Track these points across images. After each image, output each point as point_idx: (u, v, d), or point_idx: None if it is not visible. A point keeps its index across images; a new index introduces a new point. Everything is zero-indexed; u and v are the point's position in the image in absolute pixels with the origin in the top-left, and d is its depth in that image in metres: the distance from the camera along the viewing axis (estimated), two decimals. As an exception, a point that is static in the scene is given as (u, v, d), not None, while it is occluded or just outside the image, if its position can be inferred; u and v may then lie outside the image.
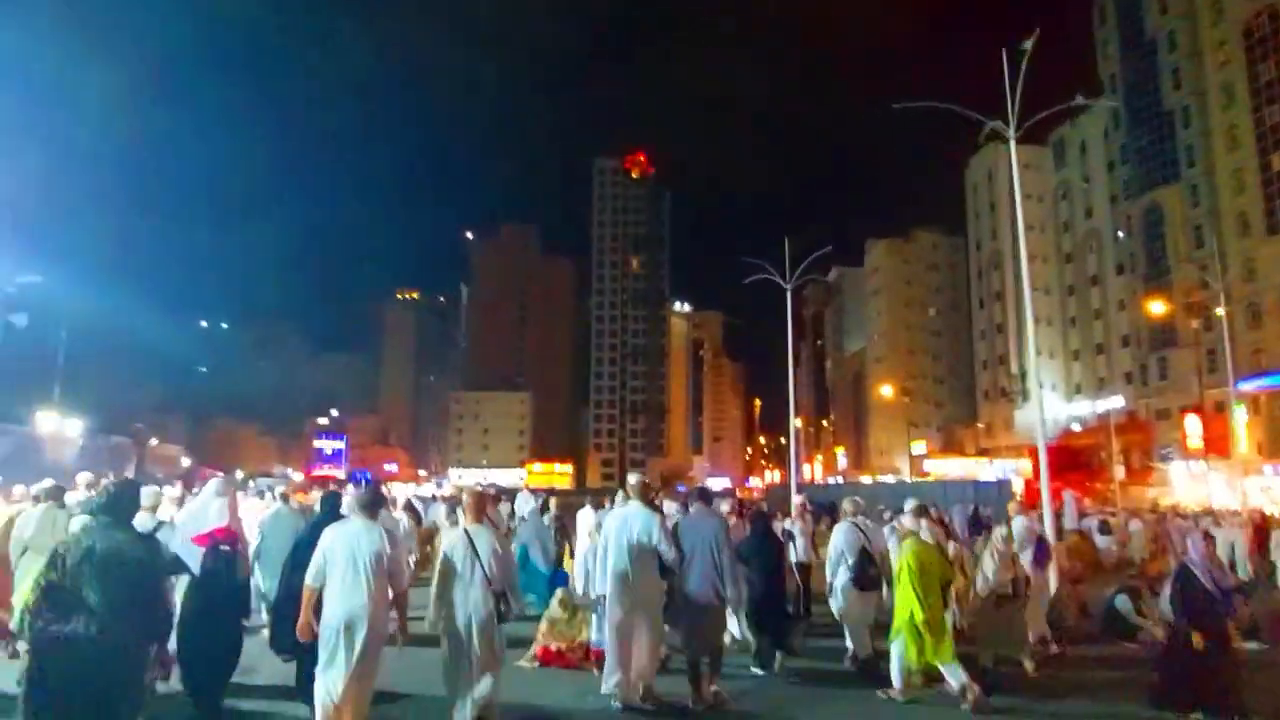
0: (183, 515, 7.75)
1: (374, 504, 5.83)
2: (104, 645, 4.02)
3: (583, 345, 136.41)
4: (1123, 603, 10.89)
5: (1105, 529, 20.29)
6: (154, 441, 52.75)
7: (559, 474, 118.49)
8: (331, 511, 6.72)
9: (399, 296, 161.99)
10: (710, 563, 7.06)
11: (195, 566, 6.17)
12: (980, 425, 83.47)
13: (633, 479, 9.90)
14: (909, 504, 8.41)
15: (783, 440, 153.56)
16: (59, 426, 24.94)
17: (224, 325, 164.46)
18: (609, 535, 7.10)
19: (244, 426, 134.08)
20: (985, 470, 59.70)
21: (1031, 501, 32.54)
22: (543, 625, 8.50)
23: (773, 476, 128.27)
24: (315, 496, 12.20)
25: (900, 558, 7.56)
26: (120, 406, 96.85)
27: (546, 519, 12.80)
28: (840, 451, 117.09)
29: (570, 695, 7.39)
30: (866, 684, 7.97)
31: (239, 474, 54.40)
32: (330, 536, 5.57)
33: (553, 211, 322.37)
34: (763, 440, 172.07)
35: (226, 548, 6.20)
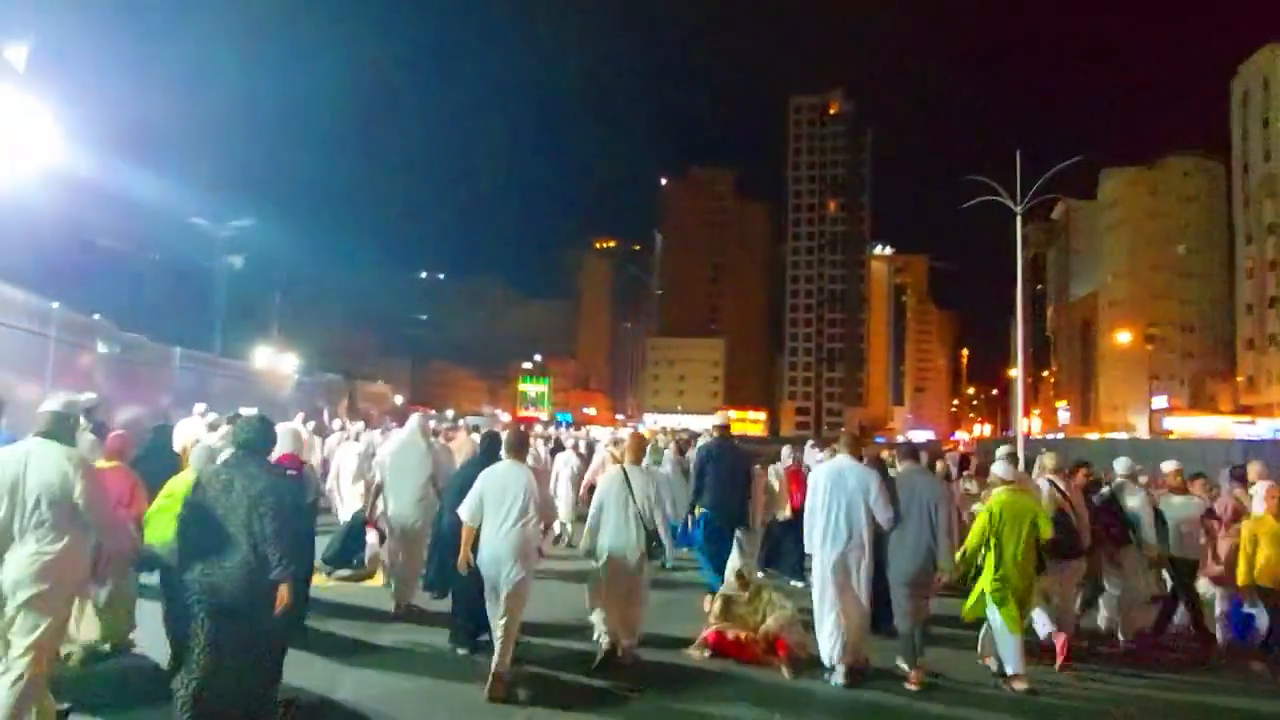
0: (386, 448, 8.10)
1: (519, 445, 6.15)
2: (241, 575, 4.21)
3: (778, 291, 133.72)
4: None
5: None
6: (380, 383, 56.66)
7: (752, 421, 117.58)
8: (489, 454, 6.72)
9: (596, 245, 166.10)
10: (927, 527, 6.35)
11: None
12: (1240, 379, 72.83)
13: (718, 419, 9.75)
14: (1001, 450, 7.94)
15: (994, 392, 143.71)
16: (273, 363, 26.26)
17: (440, 276, 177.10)
18: (819, 491, 6.42)
19: (458, 369, 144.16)
20: (1246, 430, 51.78)
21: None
22: (715, 605, 6.93)
23: (982, 430, 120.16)
24: (462, 438, 12.44)
25: (982, 508, 6.86)
26: (348, 350, 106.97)
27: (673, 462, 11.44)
28: (1062, 406, 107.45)
29: (747, 700, 5.86)
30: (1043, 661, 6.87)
31: (449, 413, 57.85)
32: (484, 478, 5.89)
33: (747, 155, 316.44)
34: (971, 391, 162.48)
35: (293, 471, 6.47)
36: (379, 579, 8.40)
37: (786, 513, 9.91)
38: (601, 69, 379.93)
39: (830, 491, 6.32)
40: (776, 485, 10.20)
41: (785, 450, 11.02)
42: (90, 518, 4.05)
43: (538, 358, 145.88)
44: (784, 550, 9.92)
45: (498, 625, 5.65)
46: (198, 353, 19.61)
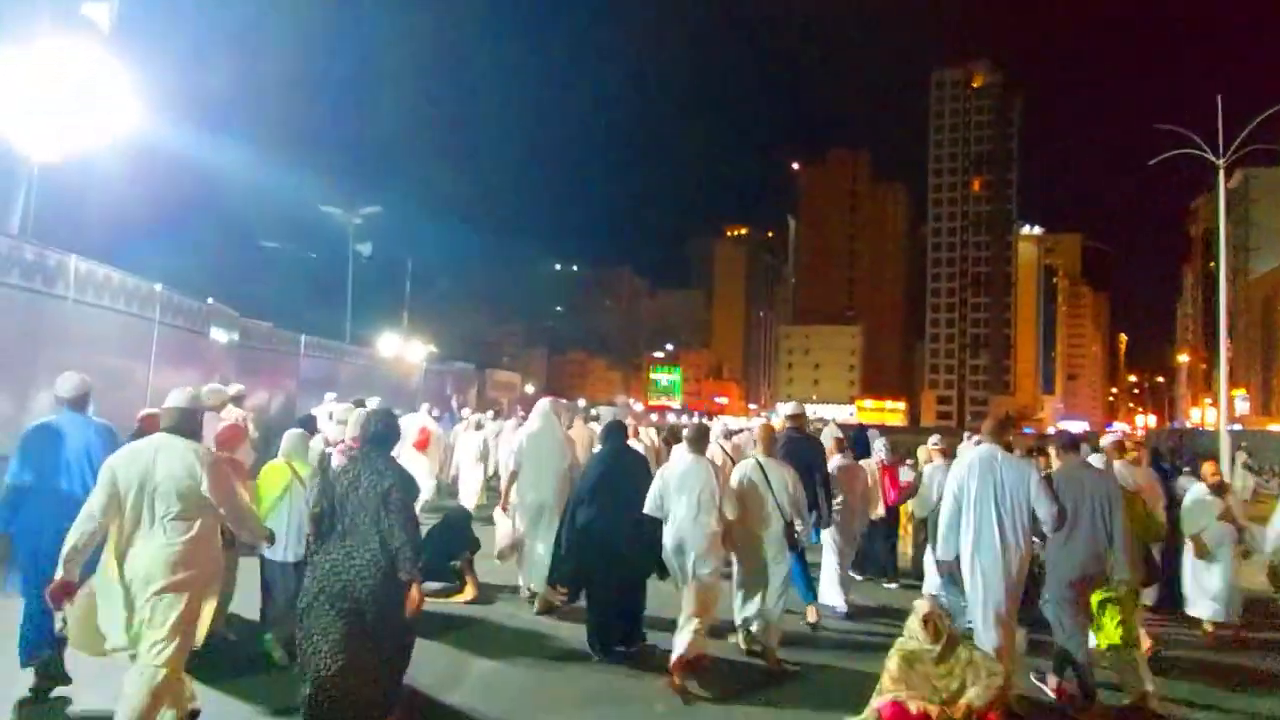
0: (520, 435, 7.55)
1: (700, 439, 6.08)
2: (371, 574, 4.13)
3: (918, 275, 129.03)
4: None
5: None
6: (508, 371, 58.14)
7: (890, 411, 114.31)
8: (614, 443, 6.53)
9: (728, 233, 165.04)
10: (1100, 533, 5.41)
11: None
12: None
13: (790, 408, 8.49)
14: (1108, 438, 7.25)
15: (1159, 379, 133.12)
16: (401, 352, 26.28)
17: (574, 268, 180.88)
18: (963, 488, 5.47)
19: (593, 359, 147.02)
20: None
21: None
22: (890, 662, 4.89)
23: (1146, 421, 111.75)
24: (579, 427, 12.01)
25: None
26: (487, 341, 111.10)
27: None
28: (1239, 394, 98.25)
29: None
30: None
31: (581, 402, 59.11)
32: (665, 472, 5.92)
33: (885, 135, 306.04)
34: (1132, 379, 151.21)
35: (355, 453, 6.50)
36: (469, 592, 7.47)
37: (880, 511, 9.09)
38: (732, 55, 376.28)
39: (979, 489, 5.39)
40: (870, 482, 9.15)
41: (879, 443, 9.99)
42: (220, 510, 4.07)
43: (670, 347, 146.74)
44: (874, 551, 9.26)
45: (684, 615, 5.53)
46: (325, 340, 19.56)
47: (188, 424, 4.18)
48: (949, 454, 8.18)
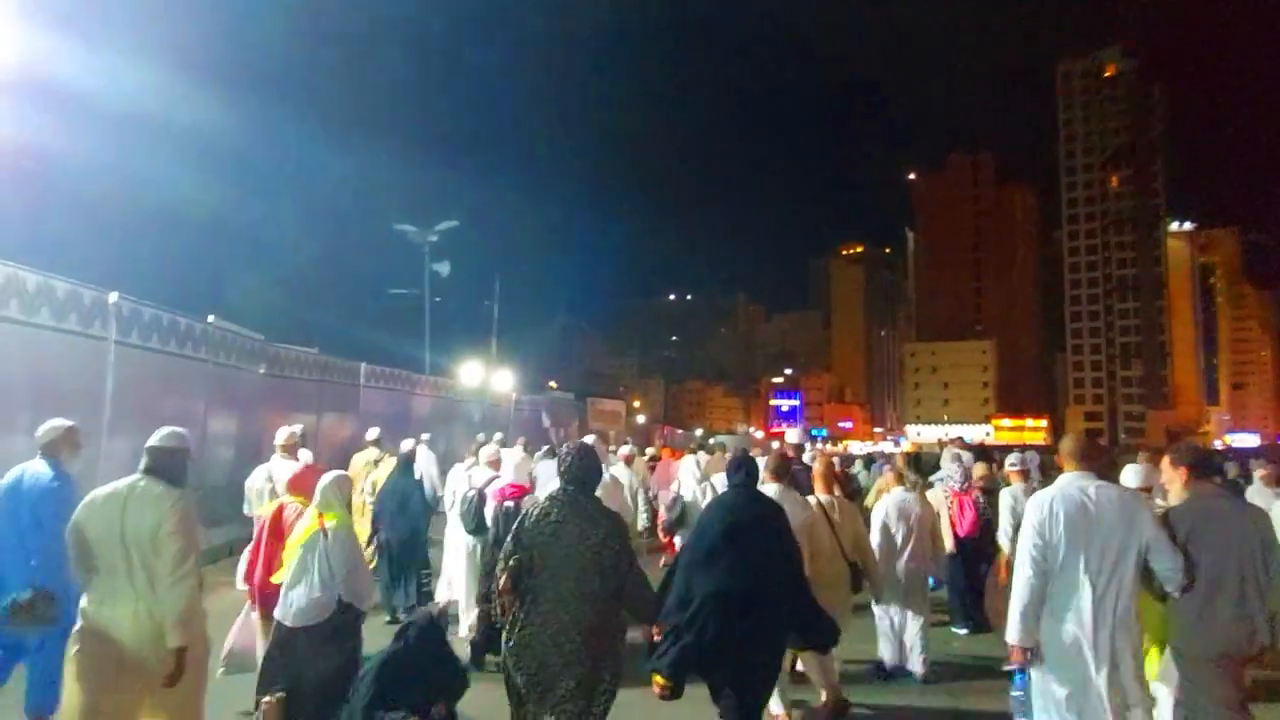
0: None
1: (782, 471, 5.48)
2: (576, 633, 3.75)
3: (1053, 282, 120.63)
4: None
5: None
6: (611, 400, 56.28)
7: (1031, 429, 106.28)
8: (743, 477, 5.14)
9: (844, 252, 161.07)
10: (1249, 588, 3.97)
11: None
12: None
13: (793, 436, 8.87)
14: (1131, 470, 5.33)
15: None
16: (484, 381, 24.76)
17: (688, 297, 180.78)
18: (1054, 537, 3.94)
19: (710, 388, 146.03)
20: None
21: None
22: None
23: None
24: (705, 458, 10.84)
25: None
26: (603, 373, 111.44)
27: None
28: None
29: None
30: None
31: (698, 431, 57.01)
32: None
33: (1007, 136, 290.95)
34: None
35: (510, 504, 6.25)
36: None
37: (949, 546, 7.60)
38: (840, 67, 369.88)
39: (1073, 535, 3.90)
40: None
41: (953, 468, 8.13)
42: (163, 570, 3.55)
43: (789, 372, 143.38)
44: (951, 591, 8.00)
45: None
46: (393, 369, 18.40)
47: (164, 465, 3.81)
48: (1028, 475, 7.16)
